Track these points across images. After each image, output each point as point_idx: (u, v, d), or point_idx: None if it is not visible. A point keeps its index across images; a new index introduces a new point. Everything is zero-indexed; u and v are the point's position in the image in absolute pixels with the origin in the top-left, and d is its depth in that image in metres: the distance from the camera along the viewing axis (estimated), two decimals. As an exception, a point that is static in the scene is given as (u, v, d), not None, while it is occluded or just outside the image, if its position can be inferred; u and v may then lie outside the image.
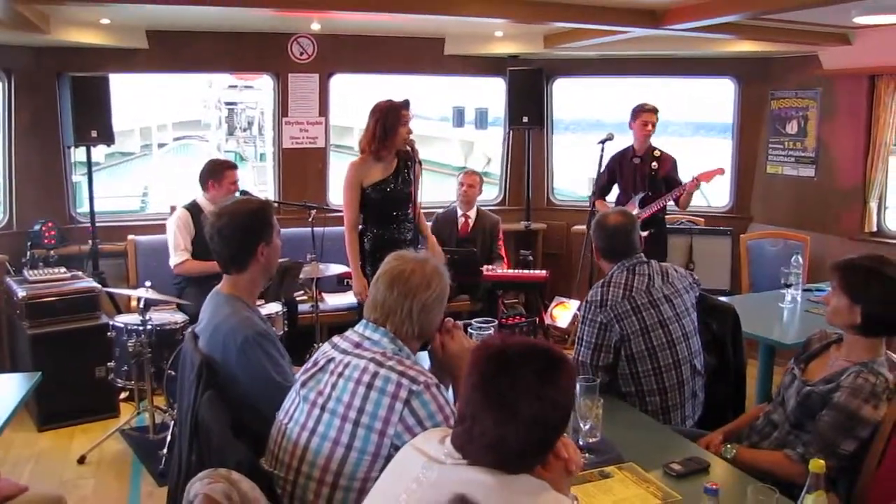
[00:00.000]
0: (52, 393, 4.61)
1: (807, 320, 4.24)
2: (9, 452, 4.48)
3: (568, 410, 1.66)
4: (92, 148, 5.65)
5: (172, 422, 4.31)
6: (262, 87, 15.03)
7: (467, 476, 1.59)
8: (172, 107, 18.94)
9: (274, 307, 4.89)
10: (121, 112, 6.35)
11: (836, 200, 6.09)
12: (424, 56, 6.71)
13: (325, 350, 2.32)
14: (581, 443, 2.49)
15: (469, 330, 2.96)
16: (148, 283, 4.56)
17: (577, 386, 2.53)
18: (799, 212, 6.36)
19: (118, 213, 7.10)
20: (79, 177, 6.12)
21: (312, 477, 2.14)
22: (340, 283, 5.52)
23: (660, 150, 5.64)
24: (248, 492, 1.86)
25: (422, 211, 4.77)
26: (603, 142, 5.64)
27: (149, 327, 4.49)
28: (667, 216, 5.92)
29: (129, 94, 11.08)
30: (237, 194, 5.01)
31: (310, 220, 5.34)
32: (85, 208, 5.86)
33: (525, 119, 6.82)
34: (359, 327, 2.31)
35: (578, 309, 3.48)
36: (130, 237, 5.84)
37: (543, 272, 5.98)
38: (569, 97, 7.91)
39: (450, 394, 2.32)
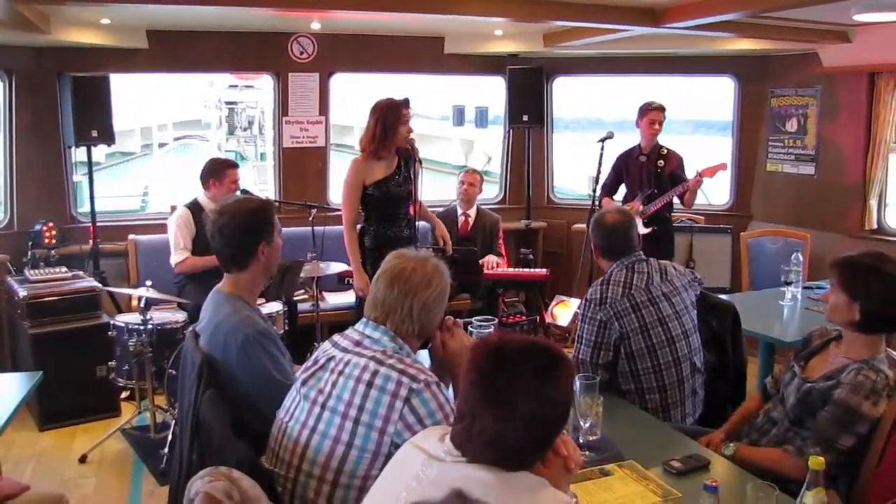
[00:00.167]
0: (54, 392, 4.62)
1: (807, 318, 4.24)
2: (10, 452, 4.48)
3: (566, 408, 1.66)
4: (92, 148, 5.66)
5: (173, 421, 4.32)
6: (262, 87, 15.03)
7: (467, 473, 1.59)
8: (173, 106, 18.95)
9: (275, 306, 4.90)
10: (121, 112, 6.37)
11: (836, 198, 6.09)
12: (424, 55, 6.71)
13: (325, 348, 2.32)
14: (581, 441, 2.49)
15: (469, 328, 2.97)
16: (148, 283, 4.57)
17: (577, 384, 2.54)
18: (799, 209, 6.36)
19: (119, 213, 7.11)
20: (79, 176, 6.13)
21: (313, 475, 2.14)
22: (341, 282, 5.52)
23: (666, 149, 5.63)
24: (249, 490, 1.86)
25: (423, 204, 4.78)
26: (603, 140, 5.65)
27: (149, 326, 4.50)
28: (672, 214, 5.91)
29: (129, 93, 11.09)
30: (238, 193, 5.02)
31: (310, 219, 5.35)
32: (86, 208, 5.86)
33: (525, 118, 6.82)
34: (359, 326, 2.32)
35: (579, 307, 3.49)
36: (131, 237, 5.84)
37: (544, 271, 5.99)
38: (569, 96, 7.91)
39: (450, 392, 2.32)
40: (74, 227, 5.84)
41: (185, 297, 4.85)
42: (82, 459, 4.44)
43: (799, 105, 6.33)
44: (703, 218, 6.63)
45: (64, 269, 5.22)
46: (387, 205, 4.55)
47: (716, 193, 7.01)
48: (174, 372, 4.27)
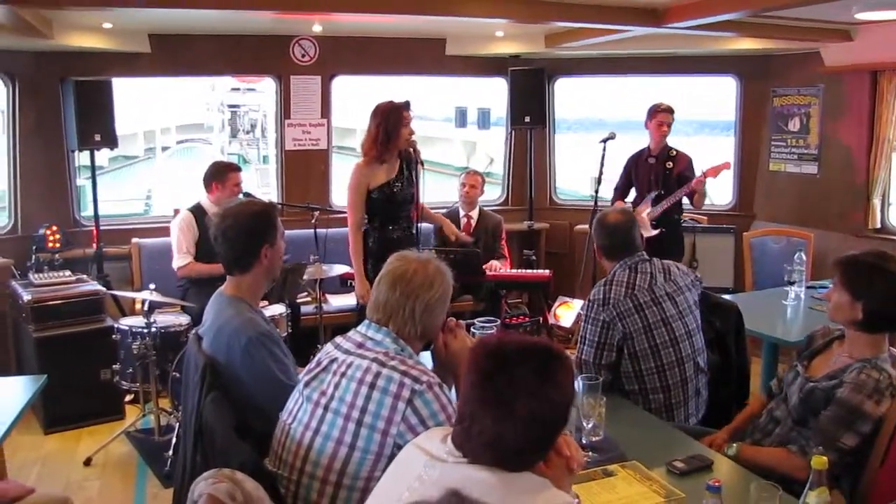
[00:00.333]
0: (58, 396, 4.61)
1: (810, 317, 4.23)
2: (15, 455, 4.48)
3: (567, 408, 1.66)
4: (95, 152, 5.67)
5: (177, 424, 4.33)
6: (264, 90, 15.06)
7: (468, 474, 1.59)
8: (175, 110, 18.99)
9: (278, 308, 4.91)
10: (124, 116, 6.38)
11: (839, 197, 6.08)
12: (426, 57, 6.71)
13: (328, 350, 2.33)
14: (584, 441, 2.50)
15: (472, 330, 2.97)
16: (152, 286, 4.57)
17: (580, 385, 2.55)
18: (802, 209, 6.35)
19: (122, 217, 7.13)
20: (83, 180, 6.15)
21: (316, 476, 2.15)
22: (343, 285, 5.52)
23: (676, 150, 5.63)
24: (252, 491, 1.86)
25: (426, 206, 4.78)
26: (605, 141, 5.65)
27: (153, 329, 4.50)
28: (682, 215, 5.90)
29: (132, 97, 11.11)
30: (240, 196, 5.02)
31: (313, 221, 5.36)
32: (89, 212, 5.88)
33: (527, 119, 6.82)
34: (361, 327, 2.32)
35: (582, 308, 3.49)
36: (134, 240, 5.85)
37: (546, 272, 5.98)
38: (571, 97, 7.92)
39: (453, 393, 2.32)
40: (78, 230, 5.86)
41: (189, 301, 4.86)
42: (87, 462, 4.44)
43: (801, 104, 6.32)
44: (706, 218, 6.62)
45: (68, 272, 5.22)
46: (390, 207, 4.56)
47: (719, 193, 7.00)
48: (178, 375, 4.28)
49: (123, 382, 4.71)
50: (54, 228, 5.44)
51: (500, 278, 5.88)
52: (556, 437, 1.69)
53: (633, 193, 5.88)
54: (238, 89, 17.19)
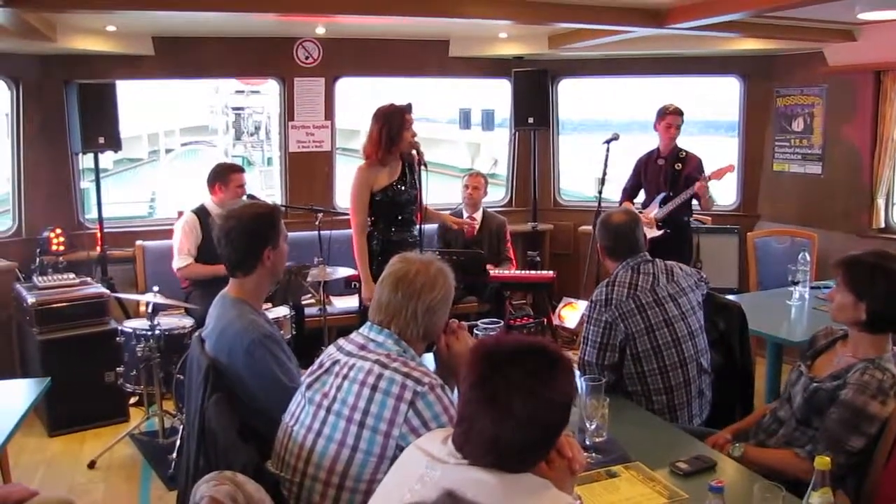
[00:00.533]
0: (63, 398, 4.63)
1: (815, 318, 4.22)
2: (20, 457, 4.50)
3: (566, 408, 1.65)
4: (100, 154, 5.68)
5: (182, 426, 4.33)
6: (268, 92, 15.08)
7: (469, 475, 1.59)
8: (180, 112, 19.01)
9: (282, 310, 4.91)
10: (128, 118, 6.38)
11: (843, 197, 6.06)
12: (429, 58, 6.72)
13: (330, 352, 2.33)
14: (587, 442, 2.49)
15: (475, 331, 2.97)
16: (156, 288, 4.59)
17: (584, 386, 2.55)
18: (806, 209, 6.34)
19: (126, 219, 7.12)
20: (87, 183, 6.16)
21: (318, 479, 2.15)
22: (348, 286, 5.52)
23: (686, 151, 5.61)
24: (254, 494, 1.87)
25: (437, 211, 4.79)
26: (608, 142, 5.65)
27: (157, 332, 4.51)
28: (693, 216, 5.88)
29: (136, 100, 11.12)
30: (244, 198, 5.03)
31: (317, 223, 5.36)
32: (93, 214, 5.88)
33: (530, 120, 6.83)
34: (364, 329, 2.32)
35: (585, 309, 3.49)
36: (138, 243, 5.86)
37: (551, 273, 5.98)
38: (574, 98, 7.91)
39: (455, 395, 2.32)
40: (82, 233, 5.86)
41: (193, 303, 4.86)
42: (91, 465, 4.45)
43: (805, 104, 6.31)
44: (710, 218, 6.61)
45: (72, 275, 5.23)
46: (393, 209, 4.55)
47: (723, 194, 6.99)
48: (182, 377, 4.28)
49: (127, 385, 4.72)
50: (58, 231, 5.46)
51: (505, 279, 5.88)
52: (557, 437, 1.68)
53: (642, 195, 5.88)
54: (242, 92, 17.19)
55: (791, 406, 2.80)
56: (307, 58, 6.30)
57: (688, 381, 3.23)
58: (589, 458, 2.41)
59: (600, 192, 5.80)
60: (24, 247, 5.59)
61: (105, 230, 5.73)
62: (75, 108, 5.37)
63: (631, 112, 11.77)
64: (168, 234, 5.43)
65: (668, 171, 5.59)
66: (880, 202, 5.84)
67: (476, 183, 6.17)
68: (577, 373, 3.04)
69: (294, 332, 5.00)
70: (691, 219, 5.81)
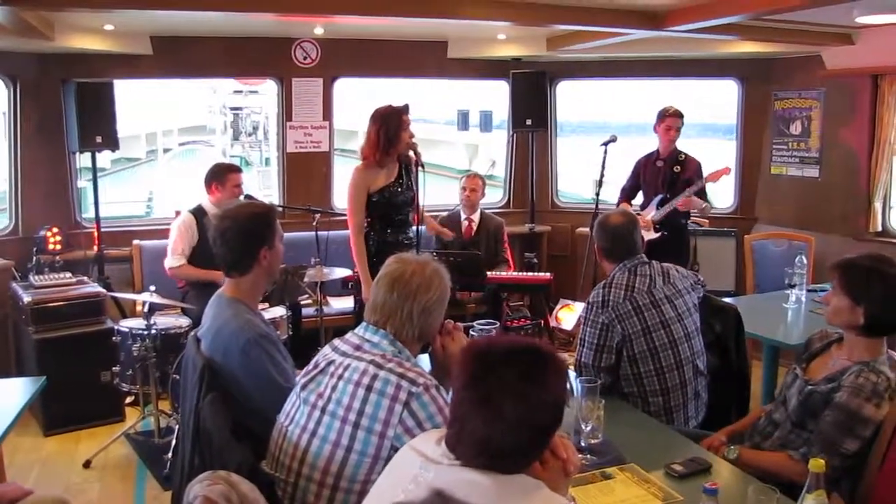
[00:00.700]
0: (58, 397, 4.62)
1: (811, 321, 4.22)
2: (15, 457, 4.49)
3: (558, 409, 1.64)
4: (97, 153, 5.67)
5: (177, 426, 4.32)
6: (266, 92, 15.06)
7: (462, 476, 1.59)
8: (178, 112, 18.99)
9: (279, 311, 4.91)
10: (126, 118, 6.38)
11: (840, 200, 6.07)
12: (427, 59, 6.72)
13: (325, 353, 2.33)
14: (583, 444, 2.50)
15: (471, 332, 2.97)
16: (152, 288, 4.58)
17: (579, 387, 2.55)
18: (803, 212, 6.34)
19: (123, 219, 7.12)
20: (84, 182, 6.15)
21: (313, 479, 2.15)
22: (345, 287, 5.52)
23: (685, 154, 5.61)
24: (248, 493, 1.86)
25: (425, 213, 4.78)
26: (606, 144, 5.66)
27: (153, 331, 4.50)
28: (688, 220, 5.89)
29: (134, 99, 11.12)
30: (241, 198, 5.02)
31: (314, 223, 5.36)
32: (90, 214, 5.88)
33: (528, 122, 6.83)
34: (359, 330, 2.32)
35: (582, 311, 3.50)
36: (136, 242, 5.87)
37: (548, 275, 5.98)
38: (573, 100, 7.92)
39: (450, 396, 2.32)
40: (79, 232, 5.86)
41: (189, 303, 4.86)
42: (87, 464, 4.44)
43: (802, 107, 6.32)
44: (707, 221, 6.62)
45: (68, 274, 5.22)
46: (390, 210, 4.55)
47: (720, 196, 7.00)
48: (178, 377, 4.27)
49: (123, 384, 4.72)
50: (55, 230, 5.45)
51: (502, 281, 5.88)
52: (549, 438, 1.67)
53: (640, 196, 5.88)
54: (240, 92, 17.18)
55: (786, 409, 2.80)
56: (305, 58, 6.30)
57: (684, 383, 3.23)
58: (584, 459, 2.41)
59: (598, 194, 5.81)
60: (20, 245, 5.59)
61: (102, 229, 5.73)
62: (73, 107, 5.36)
63: (629, 114, 11.77)
64: (165, 233, 5.41)
65: (667, 174, 5.60)
66: (877, 206, 5.85)
67: (474, 185, 6.18)
68: (574, 374, 3.05)
69: (291, 333, 5.01)
70: (689, 221, 5.82)
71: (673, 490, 2.31)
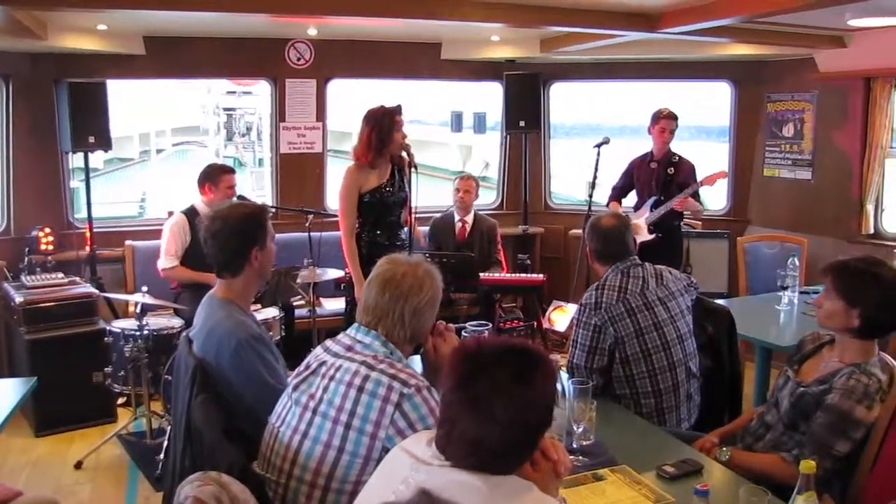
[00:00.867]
0: (50, 398, 4.60)
1: (803, 323, 4.22)
2: (6, 458, 4.48)
3: (547, 410, 1.65)
4: (90, 154, 5.66)
5: (169, 427, 4.31)
6: (260, 93, 15.06)
7: (453, 478, 1.58)
8: (171, 113, 18.97)
9: (271, 312, 4.90)
10: (119, 118, 6.37)
11: (832, 203, 6.08)
12: (421, 61, 6.72)
13: (317, 354, 2.32)
14: (574, 445, 2.50)
15: (463, 333, 2.97)
16: (145, 289, 4.57)
17: (572, 389, 2.55)
18: (796, 214, 6.36)
19: (116, 219, 7.09)
20: (77, 182, 6.13)
21: (304, 480, 2.14)
22: (338, 288, 5.51)
23: (679, 156, 5.62)
24: (239, 494, 1.86)
25: (414, 219, 4.77)
26: (599, 146, 5.68)
27: (146, 332, 4.49)
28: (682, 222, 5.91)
29: (127, 100, 11.10)
30: (234, 199, 5.01)
31: (307, 224, 5.35)
32: (83, 214, 5.85)
33: (522, 123, 6.83)
34: (351, 331, 2.32)
35: (575, 312, 3.51)
36: (128, 243, 5.85)
37: (541, 276, 5.98)
38: (566, 101, 7.92)
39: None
40: (71, 232, 5.83)
41: (181, 304, 4.85)
42: (78, 465, 4.43)
43: (795, 110, 6.33)
44: (700, 223, 6.63)
45: (61, 274, 5.20)
46: (381, 212, 4.55)
47: (713, 199, 7.01)
48: (170, 378, 4.26)
49: (115, 385, 4.70)
50: (47, 230, 5.44)
51: (495, 282, 5.88)
52: (539, 439, 1.67)
53: (632, 197, 5.89)
54: (233, 92, 17.20)
55: (778, 410, 2.81)
56: (299, 59, 6.29)
57: (676, 385, 3.24)
58: (575, 460, 2.41)
59: (591, 196, 5.82)
60: (12, 246, 5.57)
61: (94, 230, 5.70)
62: (65, 107, 5.34)
63: (622, 116, 11.80)
64: (158, 234, 5.39)
65: (661, 175, 5.61)
66: (869, 208, 5.86)
67: (467, 186, 6.17)
68: (566, 376, 3.05)
69: (283, 334, 5.00)
70: (682, 223, 5.83)
71: (664, 491, 2.31)
